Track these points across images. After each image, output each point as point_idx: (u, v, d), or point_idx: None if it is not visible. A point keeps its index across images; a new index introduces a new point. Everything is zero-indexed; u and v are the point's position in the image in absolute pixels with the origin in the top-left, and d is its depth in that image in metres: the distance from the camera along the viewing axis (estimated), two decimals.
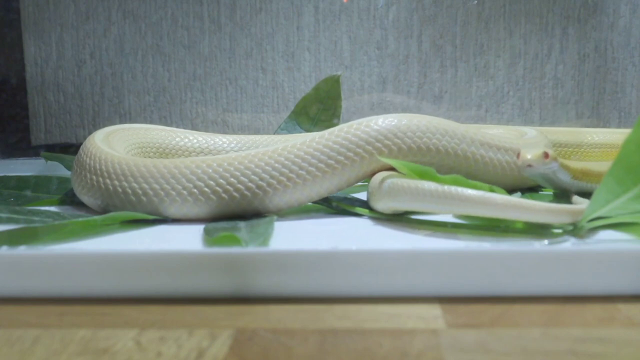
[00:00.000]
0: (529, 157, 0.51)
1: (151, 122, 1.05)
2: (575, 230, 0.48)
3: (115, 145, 0.64)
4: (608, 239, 0.47)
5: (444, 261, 0.39)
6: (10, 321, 0.37)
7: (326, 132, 0.57)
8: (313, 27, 1.03)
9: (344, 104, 1.02)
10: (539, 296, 0.39)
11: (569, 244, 0.46)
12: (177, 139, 0.73)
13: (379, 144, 0.56)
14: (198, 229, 0.51)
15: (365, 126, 0.57)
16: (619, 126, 1.01)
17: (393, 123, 0.57)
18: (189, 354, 0.33)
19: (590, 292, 0.39)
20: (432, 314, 0.37)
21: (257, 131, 1.04)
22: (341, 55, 1.03)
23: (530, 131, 0.71)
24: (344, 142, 0.56)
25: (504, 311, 0.37)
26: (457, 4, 1.01)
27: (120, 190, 0.55)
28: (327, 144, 0.55)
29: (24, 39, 1.06)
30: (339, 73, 0.89)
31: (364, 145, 0.56)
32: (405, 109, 1.03)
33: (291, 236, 0.50)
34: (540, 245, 0.44)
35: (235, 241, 0.45)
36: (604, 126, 1.01)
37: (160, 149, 0.72)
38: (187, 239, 0.50)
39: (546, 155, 0.52)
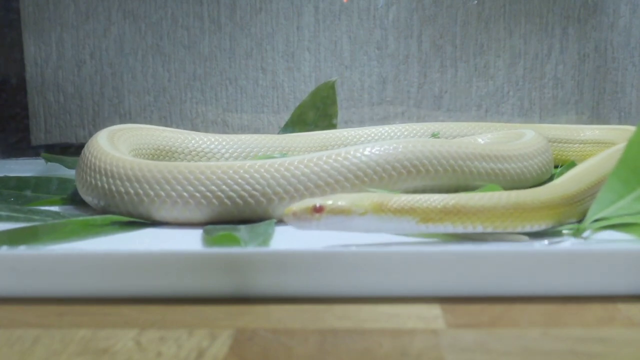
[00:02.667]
0: (293, 208, 0.44)
1: (151, 122, 1.05)
2: (577, 230, 0.48)
3: (120, 146, 0.64)
4: (608, 239, 0.47)
5: (444, 261, 0.39)
6: (10, 321, 0.37)
7: (336, 152, 0.57)
8: (313, 27, 1.03)
9: (344, 104, 1.02)
10: (539, 296, 0.39)
11: (569, 244, 0.46)
12: (187, 141, 0.73)
13: (388, 167, 0.57)
14: (197, 231, 0.51)
15: (374, 151, 0.57)
16: None
17: (399, 149, 0.57)
18: (189, 354, 0.33)
19: (590, 292, 0.39)
20: (432, 314, 0.37)
21: (257, 131, 1.04)
22: (341, 55, 1.03)
23: (529, 132, 0.71)
24: (351, 165, 0.56)
25: (504, 311, 0.37)
26: (457, 4, 1.01)
27: (122, 191, 0.55)
28: (333, 165, 0.56)
29: (24, 39, 1.06)
30: (333, 79, 0.90)
31: (374, 166, 0.56)
32: (405, 109, 1.03)
33: (291, 236, 0.50)
34: (540, 245, 0.44)
35: (235, 241, 0.45)
36: None
37: (170, 151, 0.72)
38: (187, 239, 0.50)
39: (318, 209, 0.43)
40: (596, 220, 0.48)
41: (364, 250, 0.40)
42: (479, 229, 0.46)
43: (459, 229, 0.46)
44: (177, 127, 1.05)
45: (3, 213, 0.56)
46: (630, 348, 0.33)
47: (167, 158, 0.72)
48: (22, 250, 0.42)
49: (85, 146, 0.62)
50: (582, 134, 0.82)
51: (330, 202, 0.44)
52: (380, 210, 0.45)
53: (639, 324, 0.35)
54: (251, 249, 0.42)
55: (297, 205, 0.44)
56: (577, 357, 0.31)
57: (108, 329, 0.36)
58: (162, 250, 0.41)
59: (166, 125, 1.04)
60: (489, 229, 0.47)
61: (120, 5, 1.04)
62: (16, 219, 0.55)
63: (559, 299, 0.39)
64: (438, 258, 0.39)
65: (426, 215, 0.46)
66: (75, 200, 0.64)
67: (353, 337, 0.34)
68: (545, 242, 0.45)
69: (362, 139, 0.82)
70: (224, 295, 0.40)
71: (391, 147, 0.57)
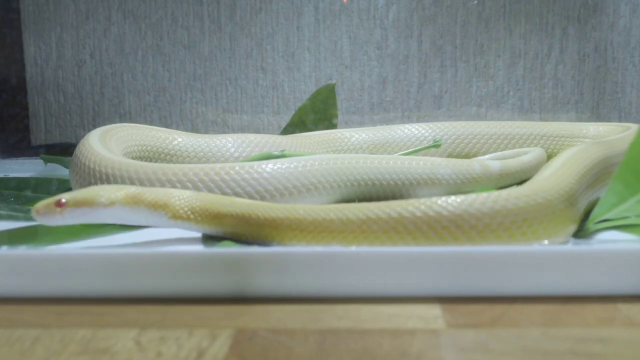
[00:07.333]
0: (37, 206, 0.45)
1: (151, 122, 1.05)
2: (581, 232, 0.48)
3: (112, 146, 0.64)
4: (608, 239, 0.47)
5: (444, 261, 0.39)
6: (10, 321, 0.37)
7: (320, 158, 0.59)
8: (313, 27, 1.03)
9: (344, 104, 1.02)
10: (539, 296, 0.39)
11: (569, 244, 0.46)
12: (178, 141, 0.73)
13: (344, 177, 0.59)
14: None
15: (340, 161, 0.59)
16: None
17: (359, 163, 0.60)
18: (189, 354, 0.33)
19: (590, 292, 0.39)
20: (432, 314, 0.37)
21: (257, 131, 1.04)
22: (341, 55, 1.03)
23: (534, 150, 0.73)
24: (323, 170, 0.58)
25: (504, 311, 0.37)
26: (457, 4, 1.01)
27: None
28: (309, 170, 0.57)
29: (24, 39, 1.06)
30: (333, 81, 0.90)
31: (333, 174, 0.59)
32: (405, 109, 1.03)
33: None
34: (540, 245, 0.44)
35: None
36: None
37: (164, 151, 0.72)
38: (186, 239, 0.50)
39: (59, 203, 0.44)
40: (599, 222, 0.48)
41: (364, 250, 0.40)
42: (221, 232, 0.48)
43: (200, 229, 0.48)
44: (177, 127, 1.05)
45: (3, 213, 0.56)
46: (630, 348, 0.33)
47: (159, 158, 0.72)
48: (22, 250, 0.42)
49: (77, 147, 0.63)
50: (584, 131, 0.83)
51: (71, 195, 0.45)
52: (132, 202, 0.46)
53: (639, 324, 0.35)
54: (251, 249, 0.42)
55: (41, 202, 0.45)
56: (577, 357, 0.31)
57: (108, 329, 0.36)
58: (162, 250, 0.41)
59: (166, 126, 1.04)
60: (234, 234, 0.47)
61: (120, 5, 1.04)
62: (16, 219, 0.55)
63: (559, 299, 0.39)
64: (438, 258, 0.39)
65: (177, 212, 0.47)
66: None
67: (353, 337, 0.34)
68: (545, 242, 0.45)
69: (367, 138, 0.81)
70: (224, 295, 0.40)
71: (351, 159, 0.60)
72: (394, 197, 0.61)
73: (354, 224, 0.43)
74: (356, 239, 0.43)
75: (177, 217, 0.47)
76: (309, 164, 0.57)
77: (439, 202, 0.43)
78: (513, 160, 0.67)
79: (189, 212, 0.48)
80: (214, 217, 0.47)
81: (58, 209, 0.44)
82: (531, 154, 0.69)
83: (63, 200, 0.44)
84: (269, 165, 0.56)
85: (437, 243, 0.42)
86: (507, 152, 0.77)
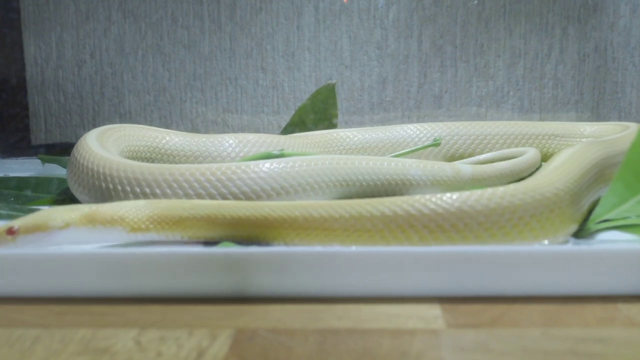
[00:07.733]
0: None
1: (151, 122, 1.05)
2: (581, 232, 0.48)
3: (109, 146, 0.65)
4: (609, 239, 0.47)
5: (444, 261, 0.39)
6: (10, 321, 0.37)
7: (308, 160, 0.59)
8: (313, 27, 1.03)
9: (343, 104, 1.02)
10: (539, 296, 0.39)
11: (569, 244, 0.46)
12: (173, 141, 0.73)
13: (330, 177, 0.59)
14: None
15: (329, 161, 0.59)
16: None
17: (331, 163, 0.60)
18: (189, 354, 0.33)
19: (590, 292, 0.39)
20: (432, 314, 0.37)
21: (257, 131, 1.04)
22: (341, 55, 1.03)
23: (530, 150, 0.72)
24: (311, 171, 0.58)
25: (504, 311, 0.37)
26: (457, 4, 1.01)
27: (110, 189, 0.55)
28: (304, 170, 0.57)
29: (24, 39, 1.06)
30: (333, 81, 0.90)
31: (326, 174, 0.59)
32: (405, 109, 1.03)
33: None
34: (541, 245, 0.44)
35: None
36: None
37: (155, 150, 0.72)
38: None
39: (11, 230, 0.42)
40: (599, 222, 0.48)
41: (364, 250, 0.40)
42: (185, 237, 0.47)
43: (163, 237, 0.47)
44: (177, 127, 1.05)
45: (3, 212, 0.56)
46: (630, 348, 0.33)
47: (157, 158, 0.72)
48: (22, 250, 0.42)
49: (75, 146, 0.63)
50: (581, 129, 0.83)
51: (22, 221, 0.43)
52: (87, 221, 0.44)
53: (639, 324, 0.35)
54: (251, 249, 0.42)
55: None
56: (577, 357, 0.31)
57: (108, 329, 0.36)
58: (162, 250, 0.41)
59: (166, 125, 1.04)
60: (199, 237, 0.46)
61: (120, 5, 1.04)
62: (16, 218, 0.55)
63: (559, 299, 0.39)
64: (438, 258, 0.39)
65: (134, 224, 0.45)
66: (75, 200, 0.64)
67: (353, 337, 0.34)
68: (545, 242, 0.45)
69: (365, 139, 0.81)
70: (224, 295, 0.40)
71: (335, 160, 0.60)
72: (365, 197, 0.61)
73: (317, 222, 0.43)
74: (318, 237, 0.43)
75: (136, 229, 0.46)
76: (288, 165, 0.57)
77: (434, 199, 0.42)
78: (487, 166, 0.67)
79: (148, 222, 0.46)
80: (175, 222, 0.46)
81: (9, 237, 0.42)
82: (509, 161, 0.68)
83: (15, 227, 0.42)
84: (265, 165, 0.56)
85: (432, 242, 0.42)
86: (496, 153, 0.77)
